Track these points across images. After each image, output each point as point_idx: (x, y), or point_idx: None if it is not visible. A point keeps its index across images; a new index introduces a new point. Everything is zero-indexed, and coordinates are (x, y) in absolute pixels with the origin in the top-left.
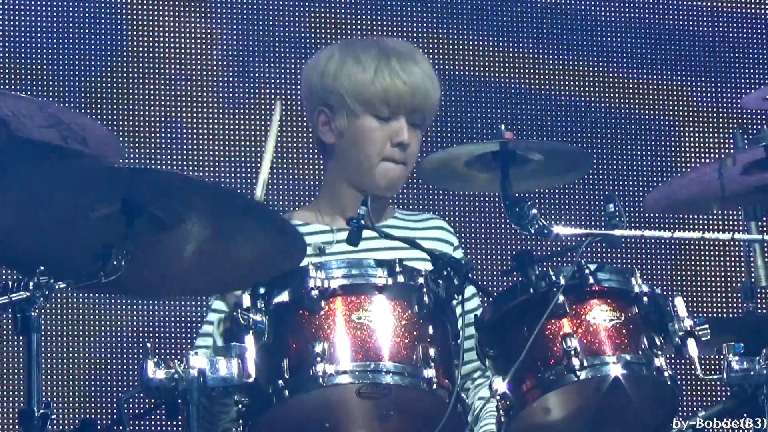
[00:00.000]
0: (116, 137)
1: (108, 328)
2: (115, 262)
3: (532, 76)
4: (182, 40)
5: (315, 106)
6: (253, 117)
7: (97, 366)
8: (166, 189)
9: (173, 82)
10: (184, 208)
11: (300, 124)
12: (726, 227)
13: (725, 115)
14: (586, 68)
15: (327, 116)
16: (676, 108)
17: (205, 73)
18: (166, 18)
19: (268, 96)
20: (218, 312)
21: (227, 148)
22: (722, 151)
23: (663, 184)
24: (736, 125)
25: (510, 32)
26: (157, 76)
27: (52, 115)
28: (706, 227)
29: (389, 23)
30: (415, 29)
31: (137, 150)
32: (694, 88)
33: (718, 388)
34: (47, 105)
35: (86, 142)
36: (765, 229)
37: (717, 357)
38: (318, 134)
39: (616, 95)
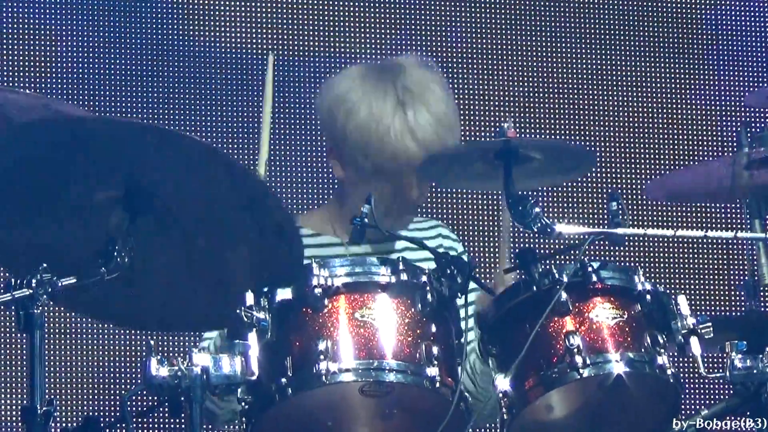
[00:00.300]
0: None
1: (111, 326)
2: (118, 259)
3: (534, 73)
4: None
5: (329, 140)
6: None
7: (101, 363)
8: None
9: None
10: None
11: (303, 125)
12: (729, 226)
13: (729, 112)
14: (589, 65)
15: (339, 157)
16: (680, 106)
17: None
18: None
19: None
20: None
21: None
22: (727, 149)
23: (669, 172)
24: (740, 122)
25: (513, 32)
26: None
27: (55, 112)
28: (709, 226)
29: (386, 22)
30: (416, 29)
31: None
32: (698, 86)
33: (721, 386)
34: (51, 101)
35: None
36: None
37: (720, 355)
38: (330, 163)
39: (619, 93)
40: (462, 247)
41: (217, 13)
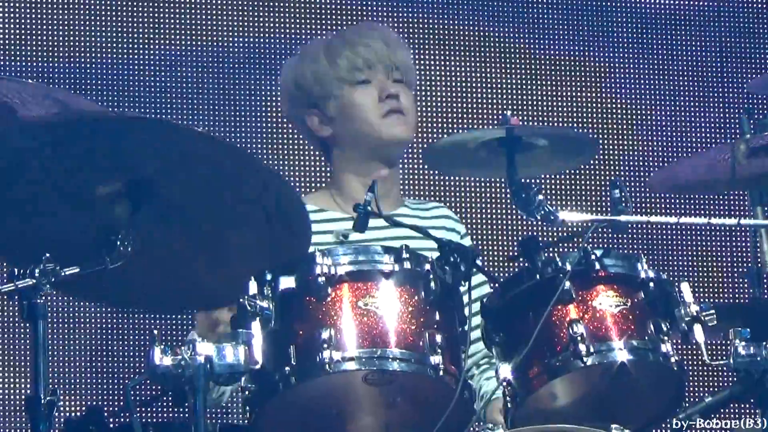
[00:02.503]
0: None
1: (115, 315)
2: (122, 248)
3: (537, 62)
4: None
5: (303, 113)
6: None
7: (104, 353)
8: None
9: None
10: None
11: None
12: (732, 212)
13: (732, 99)
14: (590, 54)
15: (317, 114)
16: (682, 93)
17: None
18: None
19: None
20: None
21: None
22: (729, 136)
23: (669, 164)
24: (742, 109)
25: (516, 19)
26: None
27: (57, 101)
28: (712, 212)
29: (391, 12)
30: (420, 18)
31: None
32: (700, 73)
33: (725, 373)
34: (53, 90)
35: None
36: None
37: (723, 342)
38: (317, 136)
39: (622, 80)
40: (464, 229)
41: (217, 7)
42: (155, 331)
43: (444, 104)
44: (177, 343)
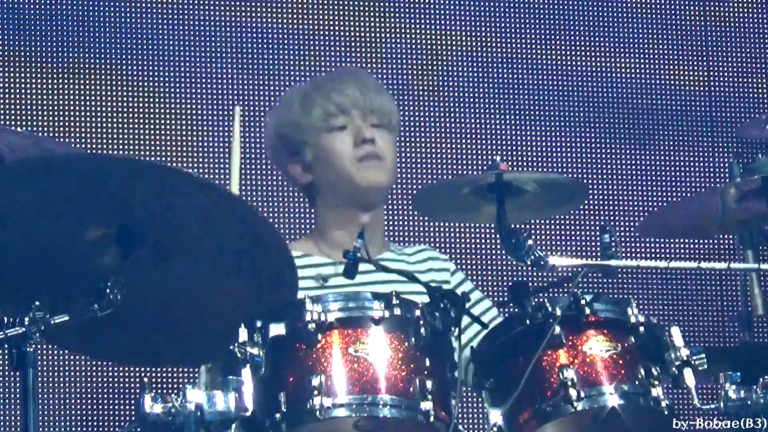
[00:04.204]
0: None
1: (105, 363)
2: (111, 296)
3: (527, 108)
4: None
5: (285, 161)
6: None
7: (94, 401)
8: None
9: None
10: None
11: None
12: (722, 256)
13: (721, 143)
14: (580, 99)
15: (297, 161)
16: (671, 137)
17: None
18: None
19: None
20: None
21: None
22: (718, 180)
23: (659, 209)
24: (731, 153)
25: (506, 65)
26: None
27: (46, 151)
28: (702, 257)
29: (380, 57)
30: (409, 62)
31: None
32: (689, 117)
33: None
34: (42, 140)
35: None
36: (761, 258)
37: (714, 386)
38: (299, 183)
39: (611, 126)
40: (453, 265)
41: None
42: (145, 379)
43: (434, 149)
44: (167, 390)
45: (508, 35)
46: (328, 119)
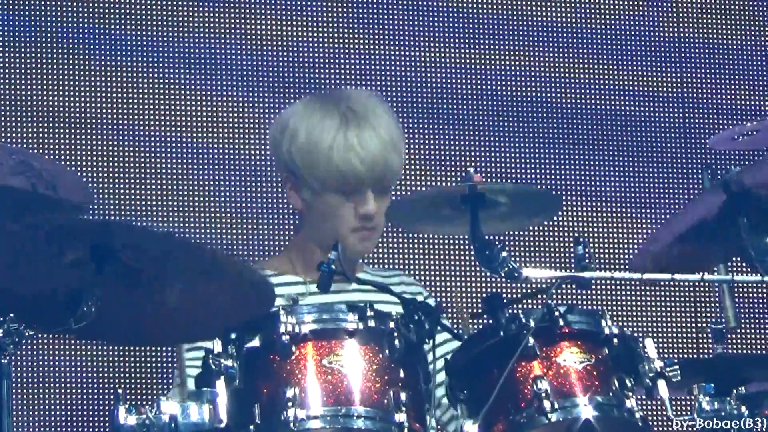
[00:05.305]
0: (86, 183)
1: (79, 374)
2: (86, 309)
3: (500, 119)
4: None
5: (281, 169)
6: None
7: (68, 412)
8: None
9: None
10: (156, 261)
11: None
12: (695, 268)
13: (694, 153)
14: (552, 111)
15: (292, 183)
16: (644, 147)
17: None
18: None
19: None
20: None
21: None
22: (692, 190)
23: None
24: (704, 165)
25: (479, 77)
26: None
27: (21, 162)
28: (675, 269)
29: (356, 70)
30: (383, 75)
31: (107, 195)
32: (663, 126)
33: (690, 429)
34: (16, 151)
35: (56, 188)
36: (733, 269)
37: (688, 398)
38: (288, 197)
39: (584, 136)
40: (426, 292)
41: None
42: (119, 390)
43: (407, 161)
44: (141, 402)
45: (482, 47)
46: (342, 184)
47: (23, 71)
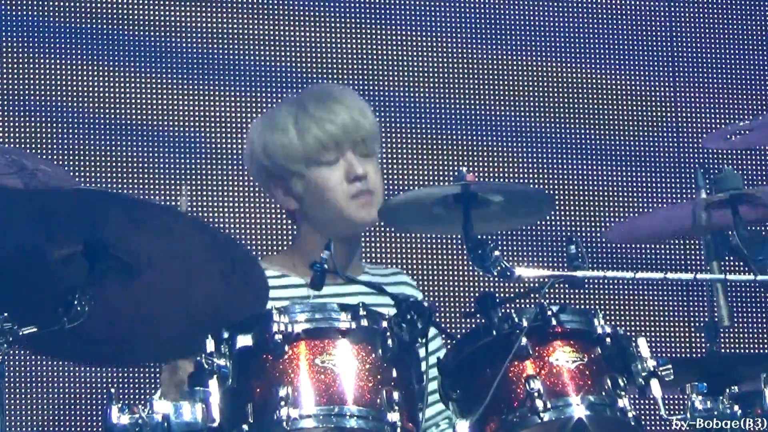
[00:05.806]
0: (79, 182)
1: (71, 374)
2: (79, 308)
3: (493, 118)
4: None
5: (267, 182)
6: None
7: (61, 412)
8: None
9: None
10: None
11: None
12: (689, 267)
13: (688, 153)
14: (546, 110)
15: (282, 186)
16: (638, 146)
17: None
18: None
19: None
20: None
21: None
22: (685, 190)
23: (628, 218)
24: (698, 164)
25: (472, 75)
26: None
27: (14, 162)
28: (668, 267)
29: (349, 68)
30: (376, 74)
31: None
32: (656, 125)
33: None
34: (10, 151)
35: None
36: (727, 268)
37: (681, 397)
38: (282, 205)
39: (577, 134)
40: (421, 295)
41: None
42: (112, 390)
43: (400, 160)
44: (134, 401)
45: (475, 46)
46: (322, 152)
47: (19, 70)
